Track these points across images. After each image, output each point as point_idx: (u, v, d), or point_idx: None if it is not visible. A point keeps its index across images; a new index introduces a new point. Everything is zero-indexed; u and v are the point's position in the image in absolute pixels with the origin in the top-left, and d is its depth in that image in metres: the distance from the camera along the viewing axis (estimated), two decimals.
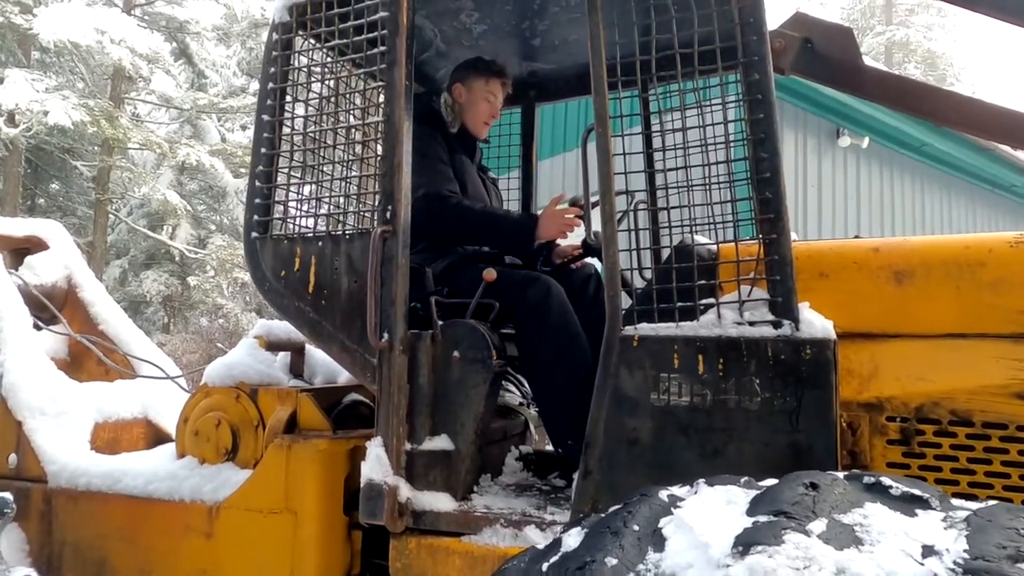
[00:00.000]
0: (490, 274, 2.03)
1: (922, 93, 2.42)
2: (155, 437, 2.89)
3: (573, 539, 1.26)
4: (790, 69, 2.49)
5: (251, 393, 2.43)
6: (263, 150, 2.13)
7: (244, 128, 17.66)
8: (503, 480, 2.21)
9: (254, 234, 2.13)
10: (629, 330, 1.76)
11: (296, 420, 2.36)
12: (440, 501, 1.87)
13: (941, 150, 8.44)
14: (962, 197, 9.19)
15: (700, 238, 1.94)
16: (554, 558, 1.16)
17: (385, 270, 1.90)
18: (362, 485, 1.84)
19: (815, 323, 1.67)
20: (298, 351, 2.71)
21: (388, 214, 1.93)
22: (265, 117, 2.14)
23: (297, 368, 2.70)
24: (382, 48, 1.98)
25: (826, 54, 2.45)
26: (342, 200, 2.11)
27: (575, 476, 1.99)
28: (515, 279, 2.08)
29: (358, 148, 2.11)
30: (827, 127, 7.38)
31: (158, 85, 14.95)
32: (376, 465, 1.84)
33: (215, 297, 15.70)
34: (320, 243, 2.05)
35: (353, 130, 2.05)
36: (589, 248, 2.33)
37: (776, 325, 1.68)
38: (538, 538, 1.74)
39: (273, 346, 2.63)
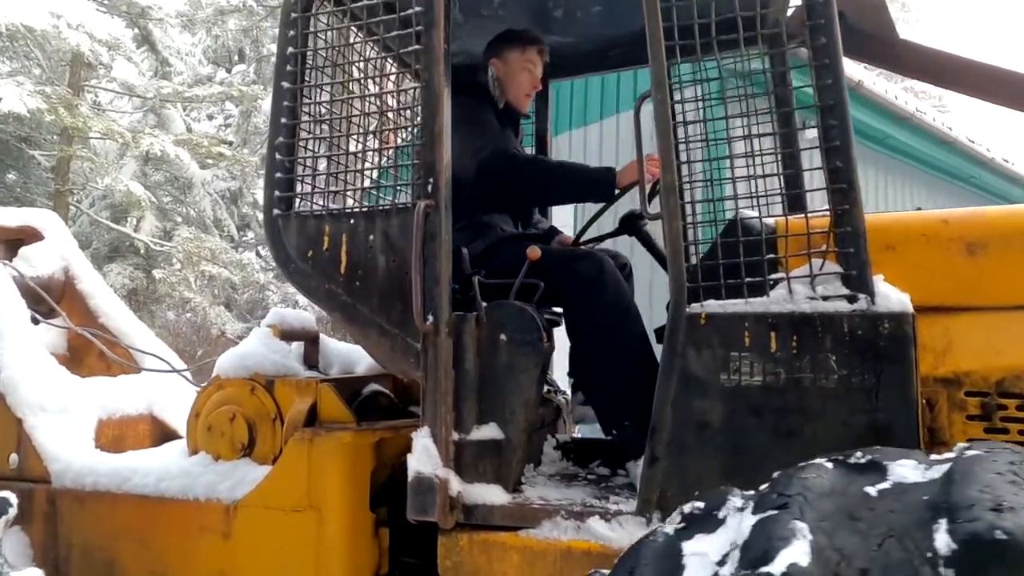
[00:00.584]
0: (535, 252, 1.91)
1: (960, 66, 2.37)
2: (161, 434, 2.70)
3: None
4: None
5: (267, 385, 2.28)
6: (283, 120, 1.97)
7: (211, 118, 17.13)
8: (544, 470, 2.11)
9: (275, 211, 1.97)
10: (695, 307, 1.67)
11: (317, 412, 2.21)
12: (492, 494, 1.75)
13: (903, 142, 8.51)
14: (923, 188, 9.32)
15: (750, 212, 1.85)
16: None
17: (428, 248, 1.76)
18: (410, 479, 1.71)
19: (891, 296, 1.59)
20: (312, 340, 2.56)
21: (430, 187, 1.79)
22: (285, 84, 1.98)
23: (311, 358, 2.55)
24: (418, 8, 1.83)
25: (860, 28, 2.38)
26: (375, 174, 1.96)
27: (634, 463, 1.90)
28: (563, 256, 1.96)
29: (391, 118, 1.96)
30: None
31: (120, 73, 14.37)
32: (425, 457, 1.71)
33: (182, 291, 15.20)
34: (352, 220, 1.90)
35: (386, 97, 1.90)
36: (630, 223, 2.23)
37: (851, 299, 1.60)
38: (603, 530, 1.64)
39: (287, 335, 2.47)
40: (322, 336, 2.61)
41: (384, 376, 2.51)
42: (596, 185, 2.18)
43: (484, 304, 1.84)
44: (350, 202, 1.98)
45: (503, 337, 1.83)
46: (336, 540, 2.06)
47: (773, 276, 1.67)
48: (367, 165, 1.95)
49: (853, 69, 7.13)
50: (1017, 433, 1.57)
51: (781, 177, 1.72)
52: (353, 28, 2.01)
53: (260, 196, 12.75)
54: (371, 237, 1.87)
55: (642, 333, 1.91)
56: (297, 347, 2.54)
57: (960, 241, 1.68)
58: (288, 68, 1.98)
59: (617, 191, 2.11)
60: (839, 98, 1.67)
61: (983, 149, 9.19)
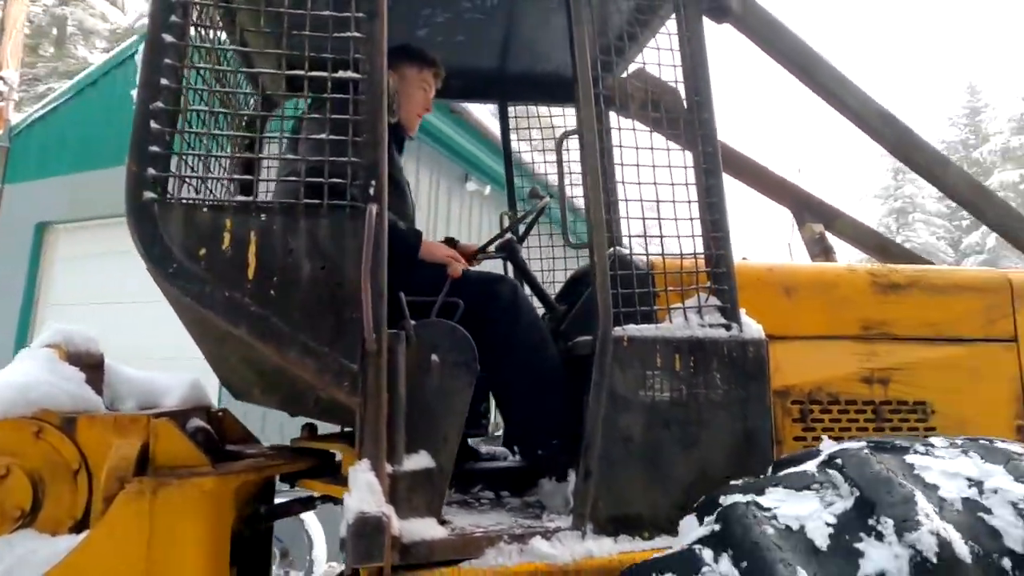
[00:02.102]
0: (456, 270, 1.85)
1: (731, 156, 3.07)
2: None
3: None
4: (635, 115, 2.90)
5: (63, 425, 1.72)
6: (164, 81, 1.54)
7: None
8: (453, 497, 2.01)
9: (148, 194, 1.52)
10: (619, 331, 1.83)
11: (149, 457, 1.75)
12: (430, 528, 1.61)
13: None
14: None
15: (625, 250, 2.13)
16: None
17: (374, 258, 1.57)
18: (350, 521, 1.47)
19: (752, 326, 2.00)
20: (95, 366, 2.01)
21: (372, 190, 1.61)
22: (167, 38, 1.56)
23: (95, 388, 1.99)
24: None
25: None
26: (299, 166, 1.66)
27: (547, 481, 1.96)
28: (481, 276, 1.92)
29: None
30: (458, 171, 8.10)
31: None
32: (368, 494, 1.49)
33: None
34: (264, 216, 1.58)
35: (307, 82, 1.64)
36: (511, 248, 2.30)
37: (727, 328, 1.96)
38: (547, 548, 1.66)
39: (74, 359, 1.90)
40: (107, 361, 2.07)
41: (199, 409, 2.08)
42: (402, 241, 1.97)
43: (412, 323, 1.71)
44: (243, 193, 1.64)
45: (435, 358, 1.73)
46: None
47: (674, 306, 1.94)
48: (289, 155, 1.64)
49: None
50: (821, 430, 2.10)
51: (677, 223, 2.01)
52: None
53: None
54: (292, 239, 1.58)
55: (556, 356, 2.00)
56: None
57: (781, 285, 2.19)
58: (173, 18, 1.57)
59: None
60: (716, 165, 2.04)
61: None
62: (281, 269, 1.57)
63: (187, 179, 1.57)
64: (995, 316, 2.29)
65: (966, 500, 1.29)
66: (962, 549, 1.18)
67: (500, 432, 2.73)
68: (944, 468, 1.34)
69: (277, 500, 2.22)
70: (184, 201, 1.55)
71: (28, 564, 1.60)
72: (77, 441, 1.74)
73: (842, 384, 2.16)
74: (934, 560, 1.18)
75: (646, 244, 2.04)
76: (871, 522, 1.26)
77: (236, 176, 1.63)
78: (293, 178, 1.60)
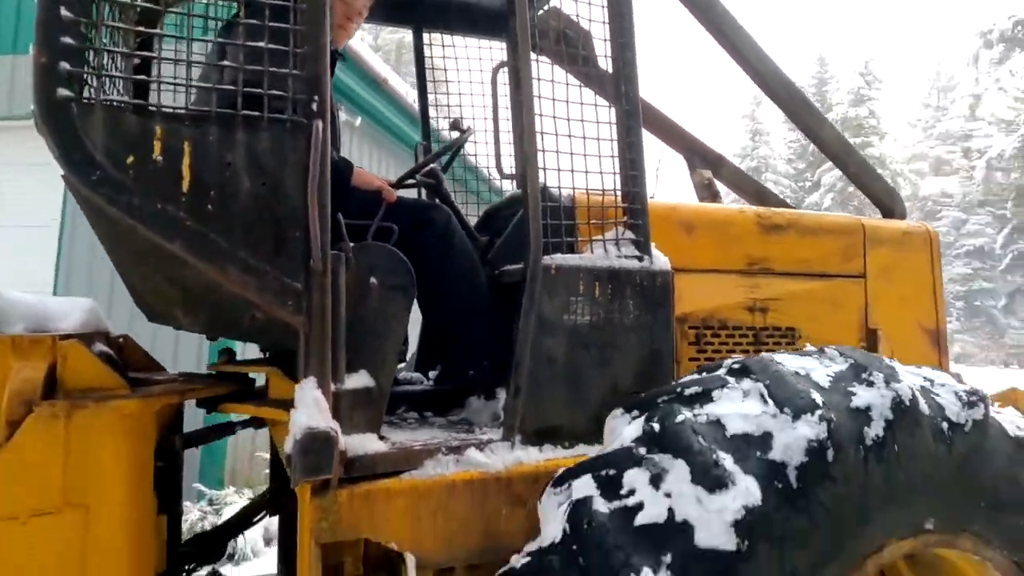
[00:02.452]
0: (391, 195, 1.86)
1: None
2: None
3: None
4: (549, 52, 2.97)
5: None
6: None
7: None
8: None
9: (63, 92, 1.37)
10: (547, 260, 1.94)
11: (56, 380, 1.64)
12: (370, 442, 1.66)
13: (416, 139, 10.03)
14: None
15: (553, 185, 2.23)
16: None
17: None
18: (298, 436, 1.49)
19: (660, 258, 2.19)
20: None
21: (315, 105, 1.56)
22: None
23: None
24: None
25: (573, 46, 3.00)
26: (227, 73, 1.55)
27: (476, 399, 2.06)
28: (415, 203, 1.93)
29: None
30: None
31: None
32: (315, 410, 1.51)
33: None
34: (198, 126, 1.48)
35: None
36: (436, 177, 2.30)
37: (640, 259, 2.13)
38: (481, 458, 1.77)
39: None
40: None
41: (99, 334, 1.96)
42: (334, 167, 1.85)
43: (352, 245, 1.70)
44: (170, 98, 1.52)
45: (373, 280, 1.74)
46: (118, 541, 1.61)
47: (595, 238, 2.07)
48: (228, 62, 1.53)
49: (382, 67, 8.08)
50: (712, 352, 2.38)
51: (600, 160, 2.12)
52: None
53: None
54: (228, 152, 1.50)
55: (486, 280, 2.07)
56: None
57: (682, 224, 2.40)
58: None
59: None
60: (634, 108, 2.17)
61: None
62: (218, 184, 1.49)
63: (108, 77, 1.43)
64: (850, 255, 2.67)
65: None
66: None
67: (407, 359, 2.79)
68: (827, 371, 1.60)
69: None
70: (106, 103, 1.41)
71: None
72: None
73: (730, 312, 2.44)
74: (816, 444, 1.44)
75: (573, 179, 2.14)
76: (783, 410, 1.49)
77: (168, 80, 1.50)
78: (230, 87, 1.50)
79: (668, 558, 1.32)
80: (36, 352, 1.64)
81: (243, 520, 2.26)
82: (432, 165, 2.33)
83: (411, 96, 8.65)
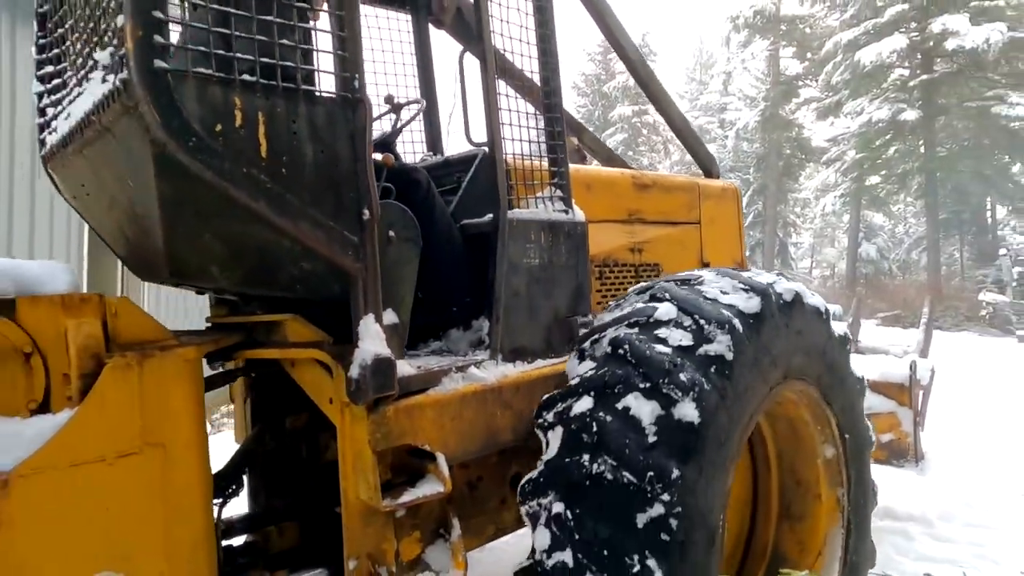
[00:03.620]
0: (390, 159, 2.16)
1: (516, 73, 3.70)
2: None
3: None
4: (448, 27, 3.37)
5: (5, 307, 1.62)
6: None
7: None
8: None
9: (159, 63, 1.49)
10: (511, 215, 2.41)
11: (109, 335, 1.76)
12: (404, 367, 2.02)
13: None
14: None
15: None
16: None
17: (364, 144, 1.82)
18: (368, 362, 1.81)
19: (578, 211, 2.77)
20: None
21: (356, 83, 1.83)
22: None
23: None
24: None
25: (468, 23, 3.42)
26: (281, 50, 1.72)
27: (457, 331, 2.47)
28: (403, 167, 2.23)
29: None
30: None
31: None
32: (378, 340, 1.84)
33: None
34: (268, 98, 1.68)
35: None
36: (387, 145, 2.59)
37: (565, 212, 2.69)
38: (481, 374, 2.23)
39: None
40: None
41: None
42: None
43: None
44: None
45: (391, 233, 2.06)
46: (190, 475, 1.80)
47: (534, 196, 2.57)
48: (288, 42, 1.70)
49: None
50: (609, 284, 3.04)
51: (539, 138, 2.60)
52: None
53: None
54: (294, 123, 1.72)
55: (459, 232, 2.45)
56: None
57: (583, 184, 3.00)
58: None
59: None
60: (557, 91, 2.67)
61: None
62: (288, 150, 1.71)
63: (198, 51, 1.56)
64: (691, 207, 3.52)
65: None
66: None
67: None
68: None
69: None
70: (198, 74, 1.55)
71: (10, 448, 1.52)
72: (21, 322, 1.62)
73: (618, 253, 3.13)
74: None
75: (514, 148, 2.60)
76: (694, 319, 2.17)
77: (256, 58, 1.63)
78: (290, 64, 1.70)
79: (653, 431, 1.93)
80: (87, 309, 1.70)
81: (247, 457, 2.41)
82: (386, 132, 2.61)
83: None
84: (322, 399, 2.04)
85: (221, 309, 2.26)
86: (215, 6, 1.60)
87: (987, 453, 5.37)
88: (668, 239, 3.36)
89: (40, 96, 2.29)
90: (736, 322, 2.17)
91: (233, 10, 1.62)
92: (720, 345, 2.09)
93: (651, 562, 1.80)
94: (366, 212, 1.84)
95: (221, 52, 1.59)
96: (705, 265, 3.55)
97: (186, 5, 1.57)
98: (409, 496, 1.96)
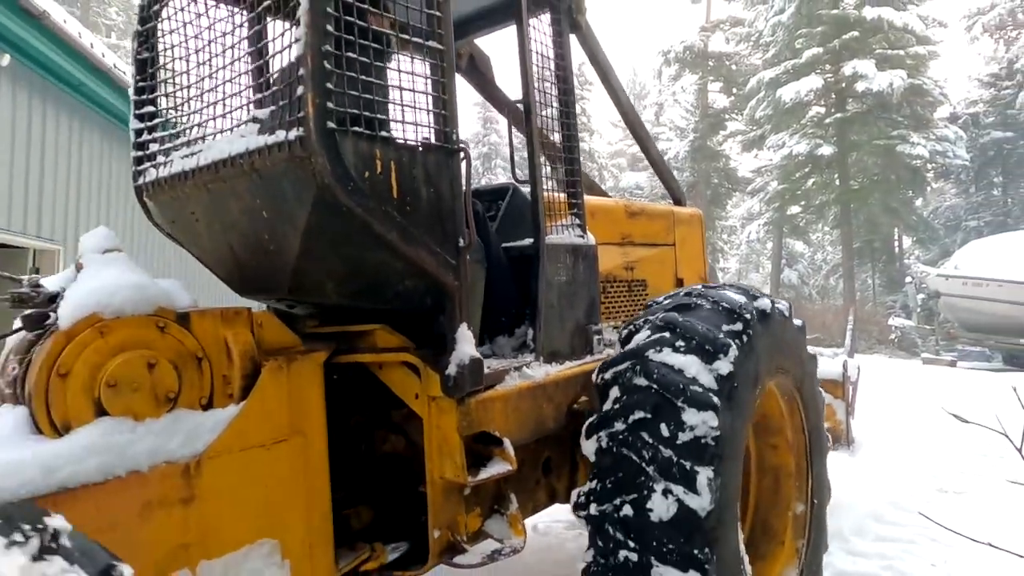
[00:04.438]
0: None
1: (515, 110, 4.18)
2: None
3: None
4: (463, 72, 3.84)
5: (179, 319, 1.96)
6: (329, 10, 1.88)
7: None
8: None
9: (331, 124, 1.88)
10: (547, 239, 2.89)
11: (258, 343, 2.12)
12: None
13: (97, 93, 8.25)
14: (96, 133, 8.75)
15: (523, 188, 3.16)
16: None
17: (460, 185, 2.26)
18: (466, 362, 2.23)
19: (590, 236, 3.28)
20: None
21: (455, 135, 2.26)
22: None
23: None
24: None
25: (479, 69, 3.91)
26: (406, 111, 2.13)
27: (503, 338, 2.91)
28: None
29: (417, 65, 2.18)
30: None
31: None
32: (471, 345, 2.27)
33: None
34: (398, 150, 2.09)
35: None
36: None
37: (582, 237, 3.20)
38: (532, 372, 2.68)
39: None
40: None
41: None
42: None
43: None
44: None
45: (468, 257, 2.50)
46: (322, 458, 2.16)
47: (559, 224, 3.06)
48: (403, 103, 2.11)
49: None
50: (609, 298, 3.57)
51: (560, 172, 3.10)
52: None
53: None
54: (415, 169, 2.13)
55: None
56: None
57: (589, 212, 3.52)
58: None
59: None
60: (575, 144, 3.19)
61: None
62: (410, 191, 2.12)
63: (354, 113, 1.95)
64: (668, 231, 4.11)
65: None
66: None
67: None
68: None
69: None
70: (355, 132, 1.94)
71: (201, 431, 1.85)
72: (194, 333, 1.95)
73: (616, 271, 3.66)
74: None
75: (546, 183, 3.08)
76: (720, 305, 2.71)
77: (387, 117, 2.04)
78: (411, 122, 2.11)
79: (696, 377, 2.42)
80: (239, 321, 2.03)
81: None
82: None
83: (85, 36, 7.50)
84: (408, 395, 2.44)
85: (311, 321, 2.60)
86: (364, 78, 2.00)
87: (904, 443, 6.32)
88: (652, 259, 3.94)
89: (139, 132, 2.57)
90: (753, 312, 2.72)
91: (375, 80, 2.02)
92: (741, 325, 2.62)
93: (695, 466, 2.28)
94: (462, 240, 2.27)
95: (367, 114, 1.99)
96: (680, 280, 4.15)
97: (345, 79, 1.96)
98: (486, 473, 2.39)
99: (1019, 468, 1.91)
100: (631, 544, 2.32)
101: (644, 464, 2.35)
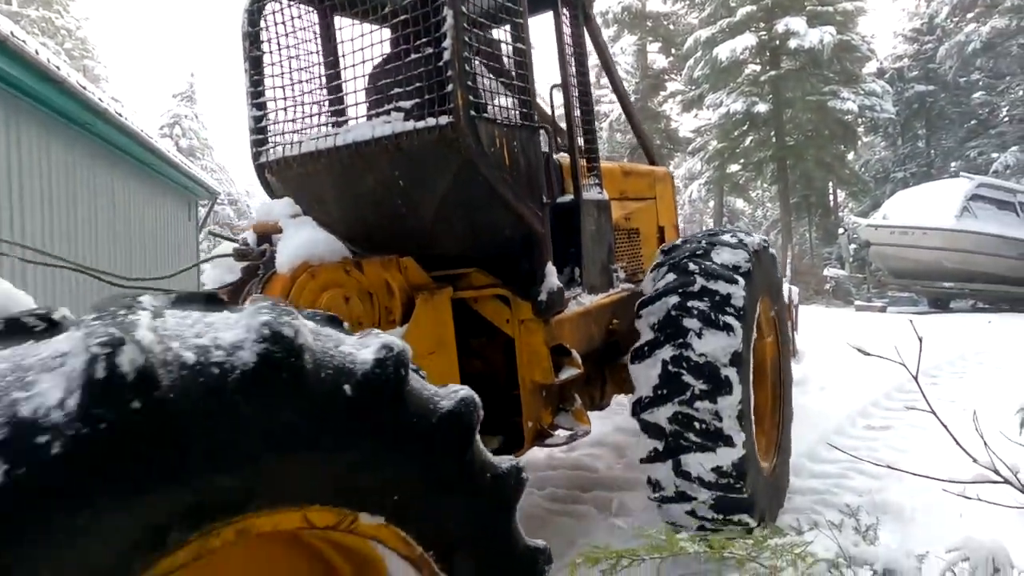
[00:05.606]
0: None
1: None
2: None
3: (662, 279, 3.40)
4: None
5: (356, 265, 2.58)
6: (466, 25, 2.50)
7: None
8: None
9: (472, 112, 2.51)
10: (584, 196, 3.62)
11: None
12: None
13: (42, 93, 8.02)
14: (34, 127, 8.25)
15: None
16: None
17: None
18: (553, 290, 2.95)
19: (605, 193, 4.04)
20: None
21: (534, 116, 2.93)
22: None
23: None
24: None
25: None
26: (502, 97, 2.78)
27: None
28: None
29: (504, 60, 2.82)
30: None
31: None
32: (555, 277, 2.99)
33: None
34: (506, 128, 2.74)
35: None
36: None
37: (600, 193, 3.95)
38: (585, 299, 3.44)
39: None
40: None
41: None
42: None
43: None
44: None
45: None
46: (455, 367, 2.84)
47: (584, 182, 3.79)
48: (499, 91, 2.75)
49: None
50: (619, 243, 4.36)
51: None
52: None
53: None
54: (515, 143, 2.80)
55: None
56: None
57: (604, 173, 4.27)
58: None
59: None
60: (592, 118, 3.90)
61: (96, 99, 8.96)
62: (514, 162, 2.79)
63: (485, 105, 2.58)
64: (651, 187, 4.93)
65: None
66: None
67: None
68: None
69: None
70: (485, 118, 2.58)
71: None
72: (366, 275, 2.56)
73: (618, 222, 4.45)
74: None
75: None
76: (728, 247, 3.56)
77: (501, 105, 2.68)
78: (512, 108, 2.77)
79: (714, 304, 3.27)
80: (392, 266, 2.66)
81: None
82: None
83: (45, 55, 7.33)
84: (500, 321, 3.13)
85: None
86: (488, 77, 2.64)
87: (837, 384, 7.19)
88: (642, 211, 4.75)
89: (258, 119, 3.07)
90: (748, 251, 3.59)
91: (490, 76, 2.66)
92: (745, 262, 3.48)
93: (727, 370, 3.14)
94: (545, 196, 2.97)
95: (490, 104, 2.64)
96: (661, 228, 5.00)
97: (474, 77, 2.58)
98: (564, 375, 3.14)
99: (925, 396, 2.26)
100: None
101: (690, 319, 3.19)
